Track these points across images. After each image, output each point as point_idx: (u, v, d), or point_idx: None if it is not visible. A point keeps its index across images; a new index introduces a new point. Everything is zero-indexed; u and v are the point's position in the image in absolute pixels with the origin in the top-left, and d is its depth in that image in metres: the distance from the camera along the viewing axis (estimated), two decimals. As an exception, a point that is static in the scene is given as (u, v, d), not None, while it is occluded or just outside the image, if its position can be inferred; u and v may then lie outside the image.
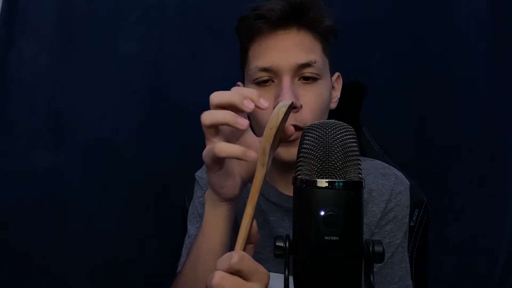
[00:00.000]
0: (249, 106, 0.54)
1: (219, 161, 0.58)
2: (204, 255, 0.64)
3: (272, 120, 0.53)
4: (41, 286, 1.21)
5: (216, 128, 0.56)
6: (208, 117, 0.55)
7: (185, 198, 0.97)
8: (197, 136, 1.31)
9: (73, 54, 1.25)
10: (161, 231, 1.24)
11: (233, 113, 0.54)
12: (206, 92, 1.37)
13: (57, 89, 1.24)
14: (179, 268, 0.79)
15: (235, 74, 0.99)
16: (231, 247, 0.62)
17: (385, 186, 0.81)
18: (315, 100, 0.75)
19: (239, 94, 0.55)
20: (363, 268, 0.47)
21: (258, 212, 0.81)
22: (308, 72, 0.74)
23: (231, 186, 0.61)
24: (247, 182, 0.63)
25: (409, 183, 0.84)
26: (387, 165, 0.86)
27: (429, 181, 1.03)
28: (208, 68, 1.26)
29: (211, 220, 0.63)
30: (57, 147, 1.23)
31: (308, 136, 0.50)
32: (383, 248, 0.47)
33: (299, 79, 0.75)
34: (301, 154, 0.50)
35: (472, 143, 1.24)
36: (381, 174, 0.82)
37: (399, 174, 0.84)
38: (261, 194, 0.81)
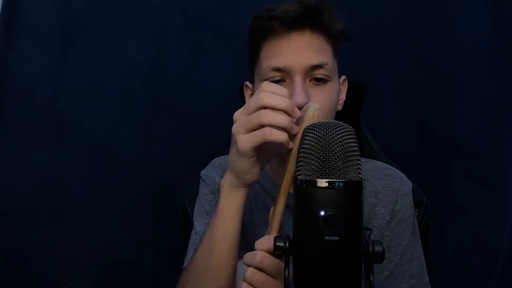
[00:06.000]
0: (297, 115, 0.63)
1: (259, 147, 0.63)
2: (220, 241, 0.67)
3: (309, 121, 0.59)
4: (41, 286, 1.21)
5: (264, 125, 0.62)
6: (272, 117, 0.61)
7: (186, 198, 0.97)
8: (197, 136, 1.31)
9: (73, 54, 1.25)
10: (161, 231, 1.24)
11: (291, 120, 0.61)
12: (206, 92, 1.38)
13: (57, 89, 1.24)
14: (186, 264, 0.79)
15: (235, 74, 0.98)
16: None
17: (391, 187, 0.82)
18: (325, 100, 0.76)
19: (290, 104, 0.62)
20: (363, 268, 0.47)
21: (266, 211, 0.82)
22: (319, 73, 0.75)
23: (255, 172, 0.66)
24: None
25: (411, 184, 0.85)
26: (389, 165, 0.87)
27: (429, 181, 1.04)
28: (208, 68, 1.26)
29: (228, 205, 0.68)
30: (57, 147, 1.23)
31: (308, 136, 0.50)
32: (383, 248, 0.47)
33: (310, 80, 0.76)
34: (301, 154, 0.50)
35: (472, 143, 1.24)
36: (385, 175, 0.84)
37: (402, 175, 0.86)
38: (269, 194, 0.82)
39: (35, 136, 1.23)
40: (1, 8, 1.22)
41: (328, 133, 0.48)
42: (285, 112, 0.61)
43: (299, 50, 0.75)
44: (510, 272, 1.22)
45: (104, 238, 1.23)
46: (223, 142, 1.03)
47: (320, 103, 0.75)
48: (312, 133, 0.50)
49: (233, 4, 1.26)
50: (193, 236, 0.82)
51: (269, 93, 0.62)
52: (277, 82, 0.76)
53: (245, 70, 0.91)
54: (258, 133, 0.62)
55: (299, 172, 0.49)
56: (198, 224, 0.83)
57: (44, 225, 1.22)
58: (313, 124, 0.51)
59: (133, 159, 1.25)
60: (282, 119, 0.61)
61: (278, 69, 0.75)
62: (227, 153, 0.97)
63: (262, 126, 0.61)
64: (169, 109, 1.26)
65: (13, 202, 1.21)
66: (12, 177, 1.22)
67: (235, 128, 0.64)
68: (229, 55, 1.25)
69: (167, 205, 1.23)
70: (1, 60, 1.22)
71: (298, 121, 0.64)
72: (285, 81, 0.76)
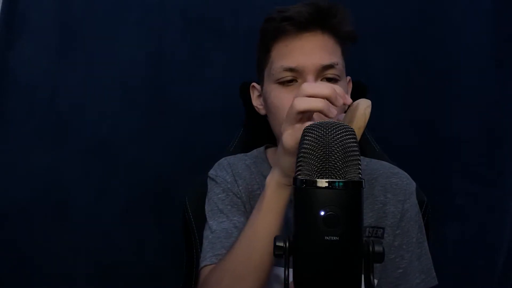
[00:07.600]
0: (340, 101, 0.62)
1: None
2: (262, 238, 0.67)
3: (360, 120, 0.59)
4: (41, 286, 1.21)
5: (303, 114, 0.62)
6: (303, 103, 0.61)
7: (186, 198, 0.97)
8: (198, 136, 1.31)
9: (73, 54, 1.25)
10: (161, 231, 1.24)
11: (326, 101, 0.61)
12: (206, 92, 1.38)
13: (57, 89, 1.24)
14: (206, 263, 0.77)
15: (235, 74, 0.98)
16: None
17: (399, 185, 0.83)
18: None
19: (332, 89, 0.62)
20: (363, 268, 0.47)
21: None
22: (330, 73, 0.77)
23: None
24: None
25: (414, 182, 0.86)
26: (393, 165, 0.89)
27: (429, 181, 1.04)
28: (208, 68, 1.26)
29: (273, 203, 0.68)
30: (57, 147, 1.23)
31: (308, 136, 0.50)
32: (383, 248, 0.47)
33: (321, 80, 0.77)
34: (301, 154, 0.50)
35: (472, 143, 1.24)
36: (392, 173, 0.85)
37: (407, 174, 0.87)
38: None
39: (35, 136, 1.23)
40: (1, 8, 1.22)
41: (328, 133, 0.48)
42: (327, 99, 0.61)
43: (312, 50, 0.77)
44: (510, 272, 1.22)
45: (104, 238, 1.23)
46: (223, 142, 1.03)
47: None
48: (312, 133, 0.50)
49: (233, 4, 1.26)
50: (210, 235, 0.81)
51: (308, 83, 0.63)
52: (289, 82, 0.77)
53: (245, 69, 0.91)
54: (299, 127, 0.62)
55: (299, 172, 0.49)
56: (213, 223, 0.82)
57: (44, 225, 1.22)
58: (313, 124, 0.51)
59: (133, 159, 1.25)
60: (314, 102, 0.61)
61: (291, 69, 0.76)
62: (229, 153, 0.98)
63: (297, 114, 0.62)
64: (169, 109, 1.26)
65: (13, 202, 1.21)
66: (12, 177, 1.22)
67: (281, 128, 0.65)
68: (229, 55, 1.25)
69: (167, 205, 1.23)
70: (1, 60, 1.22)
71: (348, 120, 0.64)
72: (297, 81, 0.77)
